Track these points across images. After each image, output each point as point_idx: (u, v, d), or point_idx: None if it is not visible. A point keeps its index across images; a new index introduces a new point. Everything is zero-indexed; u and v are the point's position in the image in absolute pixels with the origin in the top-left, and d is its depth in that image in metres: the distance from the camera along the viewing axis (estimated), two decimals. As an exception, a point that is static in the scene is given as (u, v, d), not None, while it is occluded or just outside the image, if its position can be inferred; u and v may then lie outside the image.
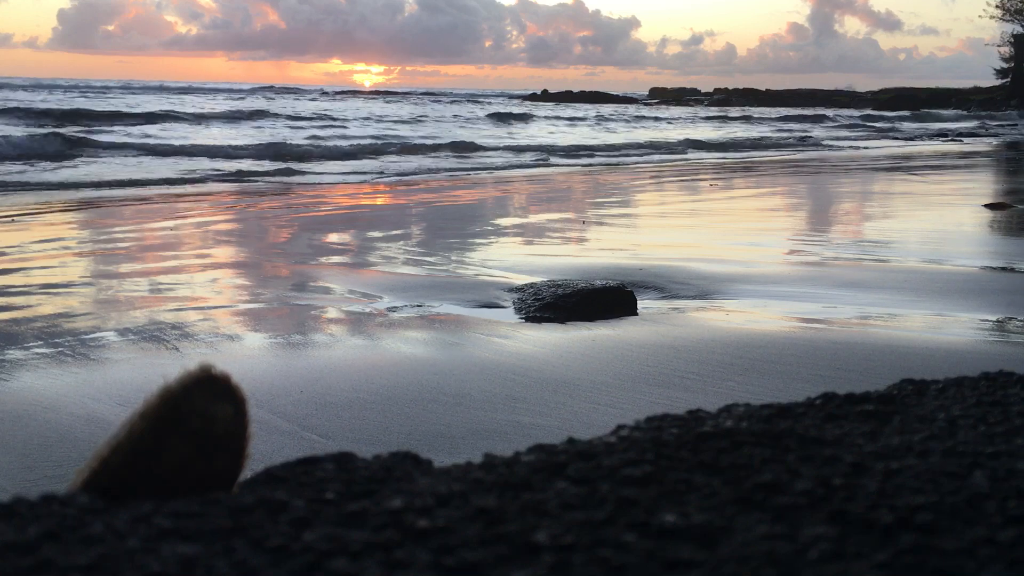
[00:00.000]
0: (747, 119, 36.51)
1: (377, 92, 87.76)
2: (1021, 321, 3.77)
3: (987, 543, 0.66)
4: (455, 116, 31.28)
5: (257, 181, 11.25)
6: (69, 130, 17.36)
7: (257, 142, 16.61)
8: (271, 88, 79.97)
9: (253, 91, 69.61)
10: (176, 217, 7.42)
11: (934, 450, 0.85)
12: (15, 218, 7.11)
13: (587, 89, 80.00)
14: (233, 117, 25.26)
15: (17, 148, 13.99)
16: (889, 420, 0.95)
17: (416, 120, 27.51)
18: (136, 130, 19.52)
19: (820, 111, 46.26)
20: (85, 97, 38.53)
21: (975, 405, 1.00)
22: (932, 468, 0.80)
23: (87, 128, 18.81)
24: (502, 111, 34.81)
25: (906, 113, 46.24)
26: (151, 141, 16.65)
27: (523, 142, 19.98)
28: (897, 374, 1.18)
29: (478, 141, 19.01)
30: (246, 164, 13.40)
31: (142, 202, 8.64)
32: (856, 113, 46.29)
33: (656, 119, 35.40)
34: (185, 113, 25.70)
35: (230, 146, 15.85)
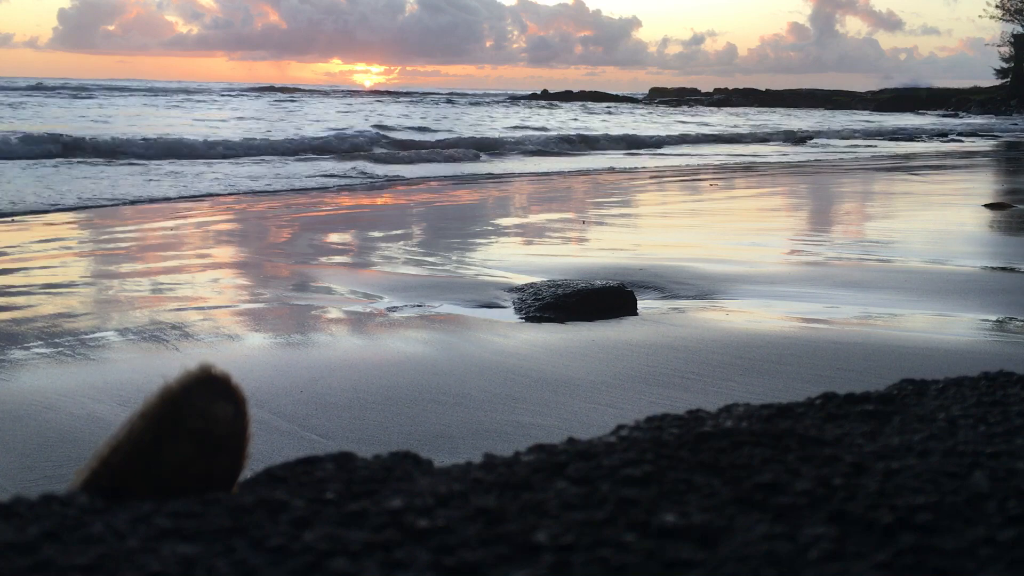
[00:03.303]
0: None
1: (401, 92, 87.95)
2: (1021, 321, 3.76)
3: (987, 543, 0.66)
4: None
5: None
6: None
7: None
8: (272, 88, 79.98)
9: (255, 91, 69.62)
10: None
11: (934, 450, 0.85)
12: (14, 218, 7.12)
13: (587, 89, 79.99)
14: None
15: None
16: (889, 420, 0.95)
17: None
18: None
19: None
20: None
21: (975, 405, 1.00)
22: (932, 468, 0.80)
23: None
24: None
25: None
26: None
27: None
28: (897, 374, 1.18)
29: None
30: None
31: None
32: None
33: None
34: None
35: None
